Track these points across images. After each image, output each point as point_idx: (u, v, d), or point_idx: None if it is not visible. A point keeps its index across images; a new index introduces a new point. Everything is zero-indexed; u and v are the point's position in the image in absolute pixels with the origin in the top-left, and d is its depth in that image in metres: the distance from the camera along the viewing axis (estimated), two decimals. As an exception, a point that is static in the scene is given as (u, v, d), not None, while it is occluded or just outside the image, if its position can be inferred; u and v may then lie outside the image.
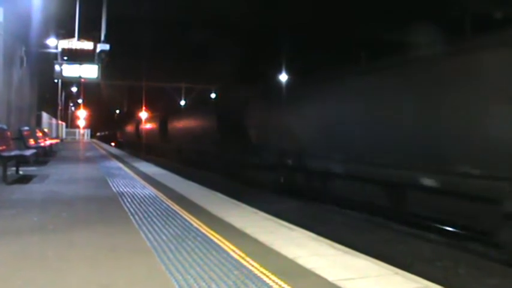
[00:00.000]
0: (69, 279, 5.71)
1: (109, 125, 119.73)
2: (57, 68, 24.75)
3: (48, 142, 30.25)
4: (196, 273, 5.93)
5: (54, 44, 28.45)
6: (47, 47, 29.15)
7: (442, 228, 12.65)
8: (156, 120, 56.31)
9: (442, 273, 9.49)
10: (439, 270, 9.88)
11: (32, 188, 14.15)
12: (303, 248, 7.41)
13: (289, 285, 5.58)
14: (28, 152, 17.00)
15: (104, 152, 39.38)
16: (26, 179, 15.80)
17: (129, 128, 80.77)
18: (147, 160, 31.55)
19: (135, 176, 18.26)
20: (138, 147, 61.81)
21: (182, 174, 20.27)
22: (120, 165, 24.43)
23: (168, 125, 47.01)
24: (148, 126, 63.06)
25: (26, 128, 21.78)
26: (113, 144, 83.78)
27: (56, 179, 16.67)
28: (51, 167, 21.92)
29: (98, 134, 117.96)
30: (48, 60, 28.21)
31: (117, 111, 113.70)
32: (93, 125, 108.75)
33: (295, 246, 7.53)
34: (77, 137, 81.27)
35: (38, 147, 21.96)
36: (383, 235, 12.59)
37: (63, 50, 26.53)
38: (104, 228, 8.70)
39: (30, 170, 18.93)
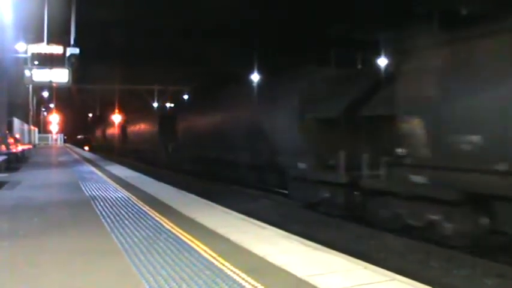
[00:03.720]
0: (40, 284, 5.71)
1: (82, 130, 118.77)
2: (27, 73, 24.43)
3: (20, 148, 29.96)
4: (167, 274, 5.96)
5: (24, 48, 28.11)
6: (16, 51, 28.80)
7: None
8: (116, 124, 62.34)
9: (414, 267, 9.59)
10: (411, 263, 9.98)
11: (3, 194, 14.04)
12: (274, 246, 7.48)
13: (259, 282, 5.65)
14: (-1, 159, 16.85)
15: (77, 157, 39.10)
16: (-3, 186, 15.66)
17: (99, 132, 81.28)
18: (121, 163, 31.40)
19: (108, 180, 18.19)
20: (109, 150, 62.60)
21: (154, 176, 20.24)
22: (93, 169, 24.30)
23: (127, 129, 52.51)
24: (111, 130, 65.88)
25: (-3, 134, 21.54)
26: (86, 148, 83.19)
27: (28, 184, 16.54)
28: (23, 172, 21.73)
29: (79, 137, 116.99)
30: (18, 65, 27.87)
31: (90, 115, 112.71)
32: (67, 130, 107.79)
33: (266, 244, 7.59)
34: (50, 142, 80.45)
35: (9, 154, 21.77)
36: (355, 231, 12.67)
37: (33, 54, 26.23)
38: (75, 232, 8.68)
39: (2, 176, 18.75)
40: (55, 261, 6.66)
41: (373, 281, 5.77)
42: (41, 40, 25.34)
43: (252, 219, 9.93)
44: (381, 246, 11.23)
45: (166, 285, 5.54)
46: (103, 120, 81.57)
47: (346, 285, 5.58)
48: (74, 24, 23.79)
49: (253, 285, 5.55)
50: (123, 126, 55.42)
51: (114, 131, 63.06)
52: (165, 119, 36.27)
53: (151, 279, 5.77)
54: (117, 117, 65.76)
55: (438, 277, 8.85)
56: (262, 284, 5.57)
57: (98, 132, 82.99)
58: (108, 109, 76.30)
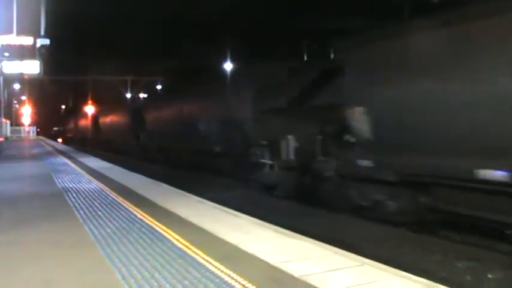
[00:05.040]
0: (11, 277, 5.67)
1: (55, 122, 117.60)
2: (-4, 65, 24.14)
3: (-9, 141, 29.58)
4: (139, 264, 5.97)
5: (-8, 40, 27.69)
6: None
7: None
8: (89, 116, 62.66)
9: (388, 253, 9.69)
10: (385, 249, 10.08)
11: (-26, 188, 13.87)
12: (247, 234, 7.51)
13: (231, 270, 5.67)
14: (-31, 152, 16.62)
15: (50, 149, 38.78)
16: (-33, 179, 15.47)
17: (72, 124, 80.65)
18: (95, 155, 31.20)
19: (81, 171, 18.08)
20: (79, 142, 62.66)
21: (128, 167, 20.16)
22: (66, 160, 24.14)
23: (99, 120, 52.92)
24: (84, 121, 65.56)
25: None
26: (59, 140, 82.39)
27: (0, 178, 16.35)
28: (-6, 166, 21.48)
29: (55, 129, 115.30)
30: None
31: (63, 107, 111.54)
32: (39, 122, 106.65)
33: (239, 232, 7.62)
34: (23, 134, 79.62)
35: (-20, 147, 21.47)
36: (329, 219, 12.76)
37: (3, 46, 25.87)
38: (47, 225, 8.62)
39: (-27, 170, 18.54)
40: (27, 255, 6.61)
41: (344, 266, 5.83)
42: (10, 31, 24.99)
43: (225, 208, 9.96)
44: (355, 233, 11.32)
45: (138, 274, 5.55)
46: (76, 112, 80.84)
47: (318, 270, 5.63)
48: (44, 14, 23.51)
49: (225, 273, 5.57)
50: (96, 118, 55.48)
51: (87, 122, 62.68)
52: (136, 109, 36.48)
53: (123, 269, 5.77)
54: (90, 109, 65.30)
55: (412, 262, 8.94)
56: (234, 272, 5.60)
57: (71, 124, 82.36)
58: (81, 100, 75.64)
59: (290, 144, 15.06)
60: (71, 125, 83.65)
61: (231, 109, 18.97)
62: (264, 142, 16.59)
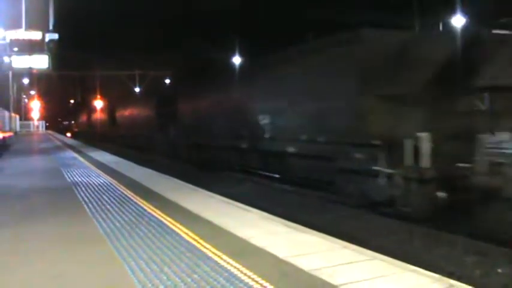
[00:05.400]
0: (20, 271, 5.69)
1: (64, 116, 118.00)
2: (6, 59, 24.22)
3: (0, 136, 29.71)
4: (148, 258, 5.96)
5: (2, 35, 27.78)
6: (-5, 38, 28.47)
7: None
8: (105, 110, 58.56)
9: (395, 246, 9.66)
10: (392, 243, 10.05)
11: (-16, 182, 13.93)
12: (257, 228, 7.50)
13: (241, 264, 5.67)
14: (-21, 146, 16.69)
15: (59, 143, 38.91)
16: (-23, 174, 15.53)
17: (83, 118, 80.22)
18: (103, 149, 31.24)
19: (90, 165, 18.12)
20: (91, 136, 61.73)
21: (137, 161, 20.17)
22: (75, 155, 24.20)
23: (117, 113, 48.52)
24: (95, 115, 64.46)
25: (-23, 122, 21.35)
26: (68, 134, 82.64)
27: (10, 172, 16.45)
28: (4, 160, 21.57)
29: (65, 123, 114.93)
30: (-4, 52, 27.54)
31: (72, 102, 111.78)
32: (48, 117, 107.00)
33: (249, 226, 7.61)
34: (32, 129, 79.95)
35: (-11, 141, 21.57)
36: (339, 213, 12.73)
37: (12, 41, 25.94)
38: (57, 219, 8.65)
39: (-17, 164, 18.61)
40: (36, 249, 6.64)
41: (354, 260, 5.81)
42: (19, 26, 25.03)
43: (236, 203, 9.95)
44: (363, 227, 11.30)
45: (147, 268, 5.55)
46: (85, 106, 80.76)
47: (327, 264, 5.62)
48: (53, 9, 23.54)
49: (235, 267, 5.56)
50: (112, 110, 51.03)
51: (98, 116, 61.91)
52: (163, 101, 31.29)
53: (133, 263, 5.77)
54: (99, 103, 65.32)
55: (419, 255, 8.91)
56: (244, 266, 5.59)
57: (81, 118, 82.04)
58: (89, 95, 75.75)
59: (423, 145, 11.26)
60: (80, 119, 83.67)
61: (324, 96, 14.33)
62: (376, 142, 12.25)
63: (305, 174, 16.10)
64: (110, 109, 53.30)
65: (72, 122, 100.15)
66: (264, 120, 17.87)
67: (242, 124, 19.52)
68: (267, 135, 17.69)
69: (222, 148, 21.69)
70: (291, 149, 15.94)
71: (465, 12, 27.21)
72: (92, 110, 68.59)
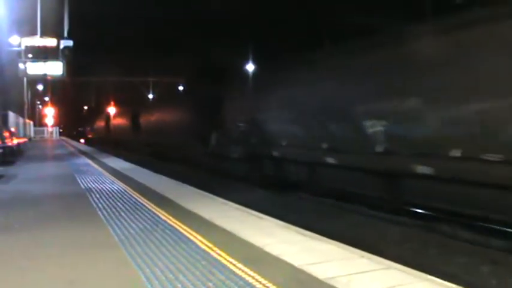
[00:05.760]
0: (35, 277, 5.71)
1: (78, 122, 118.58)
2: (21, 66, 24.42)
3: (15, 141, 29.90)
4: (163, 265, 5.95)
5: (17, 42, 28.01)
6: (10, 45, 28.71)
7: (411, 211, 12.42)
8: (127, 115, 52.85)
9: (411, 255, 9.60)
10: (408, 252, 9.99)
11: (-1, 188, 14.00)
12: (271, 236, 7.47)
13: (256, 272, 5.64)
14: (-6, 152, 16.79)
15: (72, 150, 39.08)
16: (-8, 180, 15.60)
17: (99, 124, 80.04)
18: (117, 155, 31.31)
19: (104, 172, 18.17)
20: (108, 143, 61.09)
21: (151, 168, 20.20)
22: (89, 161, 24.28)
23: (140, 119, 44.07)
24: (112, 122, 62.40)
25: (-9, 128, 21.49)
26: (82, 141, 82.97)
27: (24, 178, 16.51)
28: (19, 166, 21.68)
29: (80, 129, 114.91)
30: (12, 58, 27.78)
31: (85, 108, 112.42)
32: (62, 123, 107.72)
33: (263, 234, 7.58)
34: (46, 135, 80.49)
35: (4, 147, 21.72)
36: (352, 220, 12.69)
37: (27, 47, 26.14)
38: (71, 225, 8.67)
39: (-3, 170, 18.70)
40: (50, 255, 6.65)
41: (369, 269, 5.77)
42: (34, 33, 25.24)
43: (249, 210, 9.92)
44: (377, 234, 11.24)
45: (162, 276, 5.54)
46: (100, 112, 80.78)
47: (342, 273, 5.58)
48: (68, 16, 23.72)
49: (250, 275, 5.54)
50: (135, 116, 45.82)
51: (115, 122, 60.63)
52: (205, 100, 24.88)
53: (147, 270, 5.77)
54: (113, 109, 65.46)
55: (436, 265, 8.84)
56: (259, 274, 5.57)
57: (95, 125, 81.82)
58: (103, 101, 76.20)
59: None
60: (95, 126, 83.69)
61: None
62: None
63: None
64: (132, 113, 47.83)
65: (87, 128, 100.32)
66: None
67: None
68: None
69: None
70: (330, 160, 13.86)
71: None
72: (108, 116, 68.53)
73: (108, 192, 12.51)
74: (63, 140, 75.04)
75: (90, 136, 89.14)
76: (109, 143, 58.24)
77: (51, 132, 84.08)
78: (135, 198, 11.46)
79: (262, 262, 6.09)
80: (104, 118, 71.80)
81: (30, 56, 25.77)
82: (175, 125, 30.97)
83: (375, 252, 6.75)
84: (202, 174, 23.37)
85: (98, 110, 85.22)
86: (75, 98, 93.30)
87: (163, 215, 9.29)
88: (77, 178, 15.92)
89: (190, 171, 24.76)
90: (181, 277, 5.52)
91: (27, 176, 17.00)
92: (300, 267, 5.84)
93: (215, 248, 6.70)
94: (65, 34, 23.86)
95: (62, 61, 23.89)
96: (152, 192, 12.51)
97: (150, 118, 40.49)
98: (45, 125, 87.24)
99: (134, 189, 13.01)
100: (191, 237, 7.39)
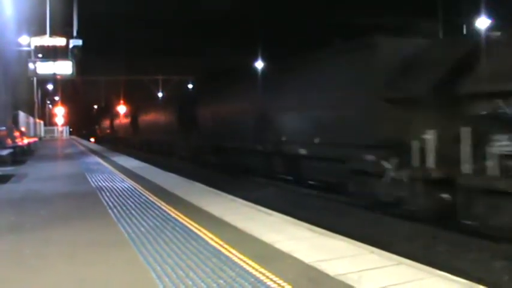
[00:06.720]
0: (46, 275, 5.73)
1: (88, 121, 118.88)
2: (31, 66, 24.44)
3: (26, 141, 30.04)
4: (174, 263, 5.96)
5: (27, 41, 28.08)
6: (20, 45, 28.80)
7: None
8: (122, 115, 58.76)
9: (421, 251, 9.57)
10: (418, 248, 9.96)
11: (10, 187, 14.06)
12: (281, 233, 7.47)
13: (266, 269, 5.64)
14: (5, 152, 16.90)
15: (83, 149, 39.18)
16: (3, 179, 15.62)
17: (105, 123, 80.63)
18: (127, 154, 31.40)
19: (114, 170, 18.21)
20: (114, 141, 61.78)
21: (161, 166, 20.24)
22: (99, 160, 24.34)
23: (139, 118, 48.38)
24: (118, 121, 64.53)
25: (2, 127, 21.59)
26: (92, 140, 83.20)
27: (35, 177, 16.57)
28: (29, 165, 21.76)
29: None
30: (22, 58, 27.88)
31: (95, 107, 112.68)
32: (72, 122, 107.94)
33: (273, 231, 7.58)
34: (56, 134, 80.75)
35: (15, 147, 21.83)
36: (362, 217, 12.67)
37: (36, 47, 26.21)
38: (82, 223, 8.69)
39: (8, 169, 18.74)
40: (61, 253, 6.67)
41: (380, 265, 5.76)
42: (43, 33, 25.30)
43: (259, 207, 9.93)
44: (386, 231, 11.22)
45: (173, 274, 5.54)
46: (109, 111, 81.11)
47: (353, 269, 5.57)
48: (76, 15, 23.76)
49: (260, 272, 5.54)
50: (135, 116, 50.29)
51: (121, 121, 62.08)
52: (186, 102, 30.91)
53: (158, 268, 5.78)
54: (122, 108, 65.62)
55: (446, 261, 8.81)
56: (269, 271, 5.56)
57: (104, 124, 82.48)
58: (113, 100, 76.28)
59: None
60: (104, 125, 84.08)
61: (334, 97, 14.54)
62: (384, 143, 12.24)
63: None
64: (132, 114, 52.61)
65: (96, 127, 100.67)
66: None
67: None
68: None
69: None
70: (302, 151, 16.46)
71: (491, 14, 26.92)
72: (116, 115, 68.84)
73: (118, 191, 12.54)
74: (73, 139, 75.25)
75: (100, 135, 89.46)
76: (118, 142, 58.84)
77: (62, 132, 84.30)
78: (146, 196, 11.48)
79: (272, 259, 6.09)
80: (113, 117, 72.21)
81: (39, 55, 25.82)
82: (164, 125, 36.00)
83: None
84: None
85: (108, 109, 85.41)
86: (85, 97, 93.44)
87: (173, 212, 9.31)
88: (88, 177, 15.97)
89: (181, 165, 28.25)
90: (191, 274, 5.53)
91: (38, 176, 17.07)
92: (311, 263, 5.83)
93: (225, 245, 6.71)
94: (74, 33, 23.89)
95: (71, 60, 23.92)
96: (162, 190, 12.54)
97: (145, 117, 45.29)
98: (56, 125, 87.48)
99: (144, 187, 13.05)
100: (201, 234, 7.40)
